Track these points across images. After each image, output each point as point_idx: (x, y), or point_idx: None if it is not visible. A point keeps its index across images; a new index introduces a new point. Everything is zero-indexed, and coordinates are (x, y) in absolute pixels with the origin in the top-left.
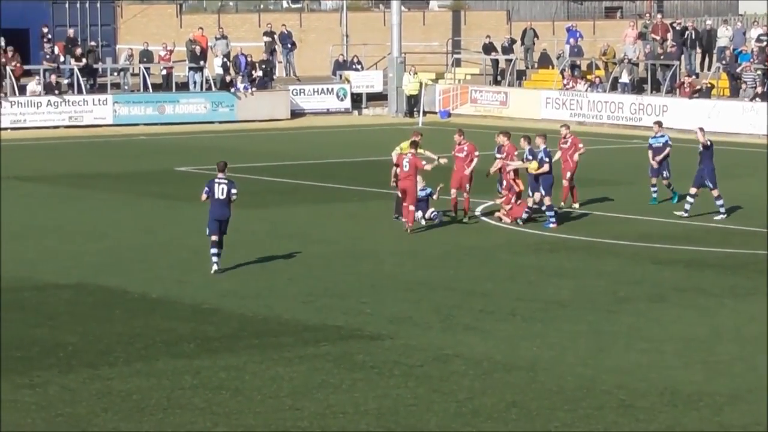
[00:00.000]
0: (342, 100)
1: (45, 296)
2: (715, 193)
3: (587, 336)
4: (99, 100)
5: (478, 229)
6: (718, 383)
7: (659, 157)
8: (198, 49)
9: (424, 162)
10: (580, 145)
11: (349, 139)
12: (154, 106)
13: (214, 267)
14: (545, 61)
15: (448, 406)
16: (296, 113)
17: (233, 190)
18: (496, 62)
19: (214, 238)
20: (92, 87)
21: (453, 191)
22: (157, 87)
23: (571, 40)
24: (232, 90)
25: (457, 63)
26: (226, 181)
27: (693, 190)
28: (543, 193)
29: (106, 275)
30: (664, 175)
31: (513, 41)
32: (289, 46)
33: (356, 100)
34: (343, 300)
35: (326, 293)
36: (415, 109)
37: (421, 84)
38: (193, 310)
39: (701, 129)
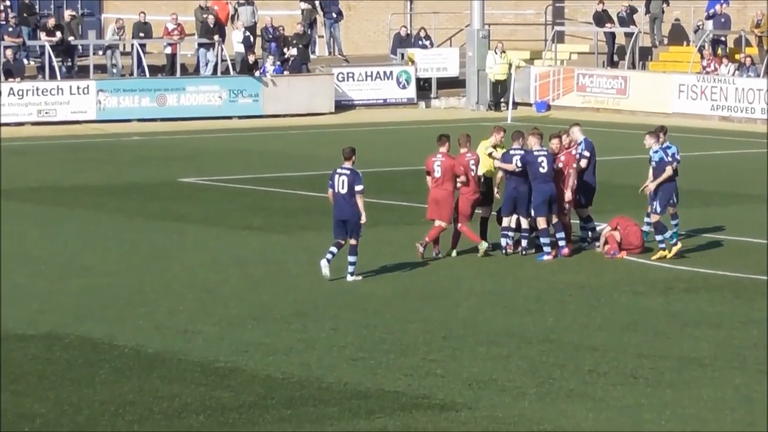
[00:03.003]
0: (404, 87)
1: (6, 351)
2: None
3: (734, 405)
4: (78, 88)
5: (584, 262)
6: None
7: None
8: (212, 19)
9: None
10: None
11: (413, 140)
12: (152, 95)
13: (324, 269)
14: (678, 36)
15: None
16: (343, 105)
17: (357, 185)
18: (611, 37)
19: (341, 241)
20: (69, 70)
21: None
22: (156, 70)
23: (715, 7)
24: (258, 74)
25: (560, 38)
26: (348, 172)
27: None
28: (533, 212)
29: (88, 322)
30: None
31: (634, 9)
32: (335, 15)
33: (423, 87)
34: (405, 356)
35: (382, 347)
36: (502, 100)
37: (510, 66)
38: (203, 371)
39: None
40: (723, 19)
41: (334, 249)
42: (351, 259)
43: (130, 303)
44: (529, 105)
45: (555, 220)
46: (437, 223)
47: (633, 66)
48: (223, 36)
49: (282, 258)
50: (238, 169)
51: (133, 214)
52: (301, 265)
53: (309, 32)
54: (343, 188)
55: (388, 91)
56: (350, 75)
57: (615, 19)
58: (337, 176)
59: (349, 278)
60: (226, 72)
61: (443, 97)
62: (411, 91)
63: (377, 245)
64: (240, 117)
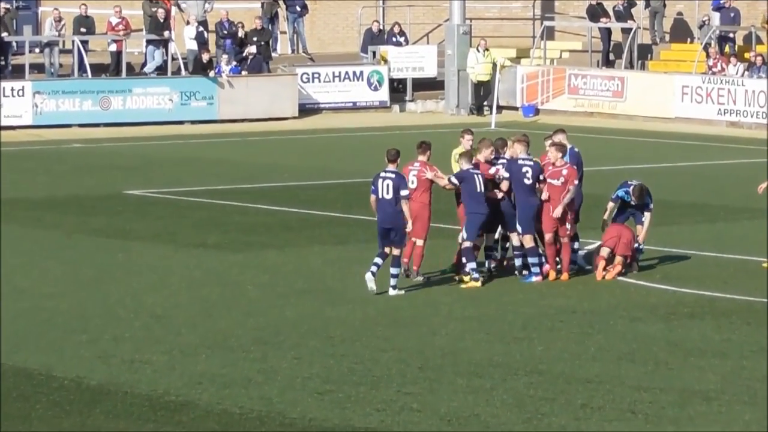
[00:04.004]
0: (376, 89)
1: None
2: None
3: None
4: (12, 90)
5: (576, 285)
6: None
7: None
8: (162, 13)
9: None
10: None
11: (386, 148)
12: (94, 98)
13: (370, 283)
14: (681, 32)
15: None
16: (308, 109)
17: (403, 189)
18: (607, 33)
19: (386, 250)
20: (2, 70)
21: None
22: (99, 70)
23: (720, 1)
24: (212, 74)
25: (549, 35)
26: (393, 176)
27: None
28: (520, 229)
29: (23, 351)
30: None
31: (632, 3)
32: (298, 9)
33: (397, 89)
34: (376, 389)
35: (351, 379)
36: (485, 104)
37: (494, 66)
38: (151, 405)
39: None
40: (731, 14)
41: (378, 260)
42: (393, 271)
43: (70, 330)
44: (516, 109)
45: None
46: (412, 239)
47: (631, 66)
48: (173, 31)
49: (240, 279)
50: (191, 180)
51: (74, 230)
52: (261, 287)
53: (270, 28)
54: (387, 193)
55: (357, 93)
56: (316, 75)
57: (611, 13)
58: (381, 180)
59: (392, 292)
60: (177, 72)
61: (419, 100)
62: (383, 94)
63: (346, 265)
64: (193, 122)
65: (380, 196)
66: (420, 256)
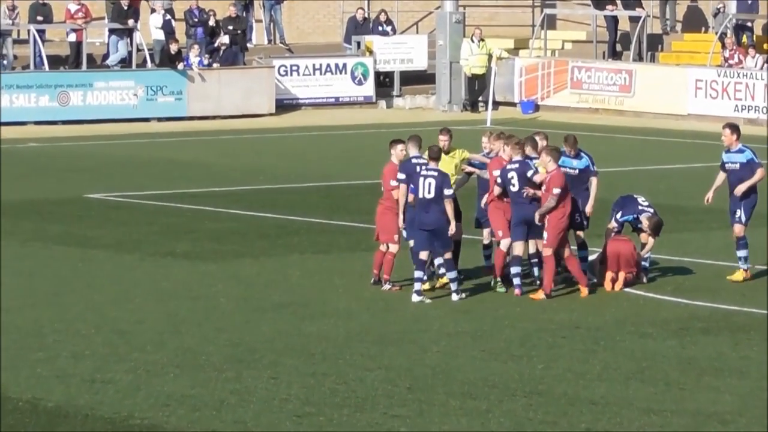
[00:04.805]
0: (361, 83)
1: None
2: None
3: None
4: None
5: (579, 297)
6: None
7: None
8: (125, 0)
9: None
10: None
11: (371, 148)
12: (52, 93)
13: (416, 297)
14: (695, 21)
15: None
16: (285, 105)
17: (447, 189)
18: (613, 22)
19: (423, 255)
20: None
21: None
22: (57, 62)
23: None
24: (181, 67)
25: (550, 23)
26: (435, 173)
27: None
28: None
29: None
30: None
31: None
32: None
33: (384, 83)
34: (361, 412)
35: (334, 401)
36: (480, 99)
37: (490, 57)
38: (114, 429)
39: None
40: (749, 1)
41: (419, 273)
42: (451, 275)
43: (25, 347)
44: (513, 105)
45: (532, 249)
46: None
47: (639, 58)
48: (138, 20)
49: (211, 292)
50: (158, 184)
51: (29, 238)
52: (234, 300)
53: (244, 16)
54: (429, 193)
55: (340, 87)
56: (294, 68)
57: (618, 1)
58: (422, 179)
59: (455, 297)
60: (142, 64)
61: (408, 95)
62: (369, 88)
63: (328, 275)
64: (160, 119)
65: (422, 196)
66: (390, 263)
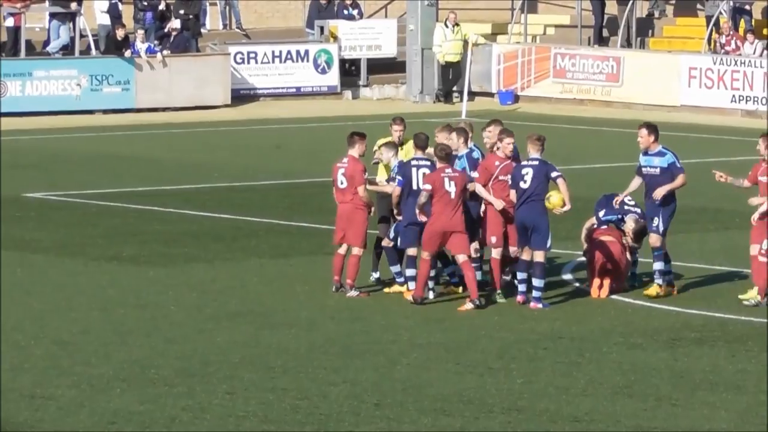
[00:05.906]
0: (324, 72)
1: None
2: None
3: None
4: None
5: (563, 305)
6: None
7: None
8: None
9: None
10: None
11: (336, 143)
12: None
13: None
14: (688, 4)
15: None
16: (242, 95)
17: None
18: (600, 5)
19: (411, 252)
20: None
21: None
22: None
23: None
24: (129, 54)
25: (531, 7)
26: (428, 163)
27: None
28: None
29: None
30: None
31: None
32: None
33: (350, 71)
34: (325, 430)
35: (295, 417)
36: (454, 89)
37: (465, 44)
38: None
39: None
40: None
41: (411, 271)
42: (398, 269)
43: None
44: (491, 95)
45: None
46: (348, 248)
47: (628, 44)
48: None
49: (161, 299)
50: (103, 182)
51: None
52: (186, 308)
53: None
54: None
55: (302, 76)
56: (252, 55)
57: None
58: (414, 170)
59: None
60: (86, 51)
61: (376, 84)
62: (333, 77)
63: (287, 282)
64: (105, 111)
65: (415, 187)
66: (355, 266)
